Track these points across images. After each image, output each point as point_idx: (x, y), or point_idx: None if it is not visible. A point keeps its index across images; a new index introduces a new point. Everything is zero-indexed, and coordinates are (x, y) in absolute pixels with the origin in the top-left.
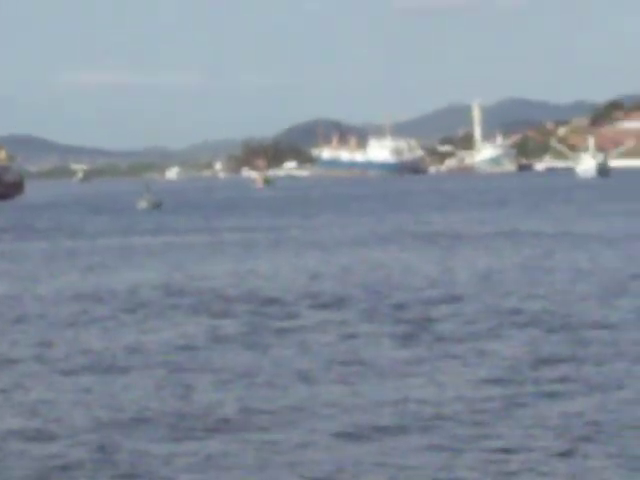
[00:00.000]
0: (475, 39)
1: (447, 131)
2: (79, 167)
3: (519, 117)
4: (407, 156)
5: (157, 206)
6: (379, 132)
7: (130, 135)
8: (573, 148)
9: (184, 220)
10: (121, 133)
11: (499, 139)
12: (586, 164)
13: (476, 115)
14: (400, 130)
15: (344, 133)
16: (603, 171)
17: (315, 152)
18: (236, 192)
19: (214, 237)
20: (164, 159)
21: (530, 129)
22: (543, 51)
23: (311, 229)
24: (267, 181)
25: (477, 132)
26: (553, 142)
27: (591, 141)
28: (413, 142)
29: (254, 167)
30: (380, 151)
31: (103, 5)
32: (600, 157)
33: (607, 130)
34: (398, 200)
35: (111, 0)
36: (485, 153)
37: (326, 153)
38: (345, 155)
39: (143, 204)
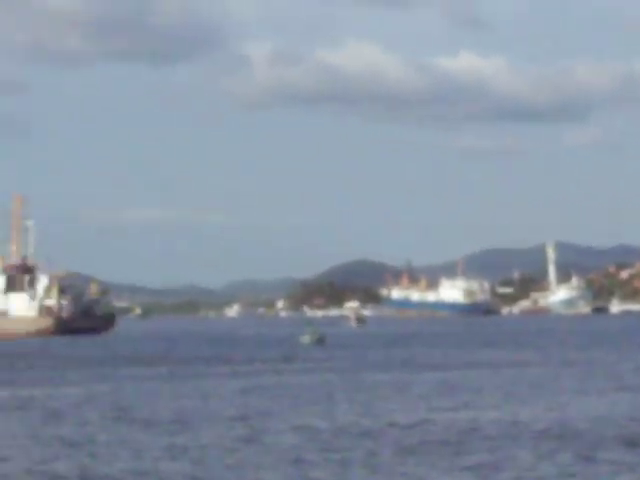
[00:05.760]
0: (518, 182)
1: (489, 274)
2: (127, 305)
3: (567, 261)
4: (479, 297)
5: (321, 341)
6: (430, 273)
7: (166, 272)
8: (637, 291)
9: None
10: (157, 270)
11: (574, 281)
12: None
13: (550, 255)
14: (435, 272)
15: (414, 273)
16: None
17: (384, 291)
18: (338, 329)
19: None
20: (204, 297)
21: (593, 273)
22: (583, 195)
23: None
24: (360, 319)
25: (551, 273)
26: None
27: None
28: (485, 283)
29: (314, 306)
30: (452, 291)
31: (134, 146)
32: None
33: None
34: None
35: (166, 144)
36: (560, 295)
37: (396, 293)
38: (416, 295)
39: (307, 339)
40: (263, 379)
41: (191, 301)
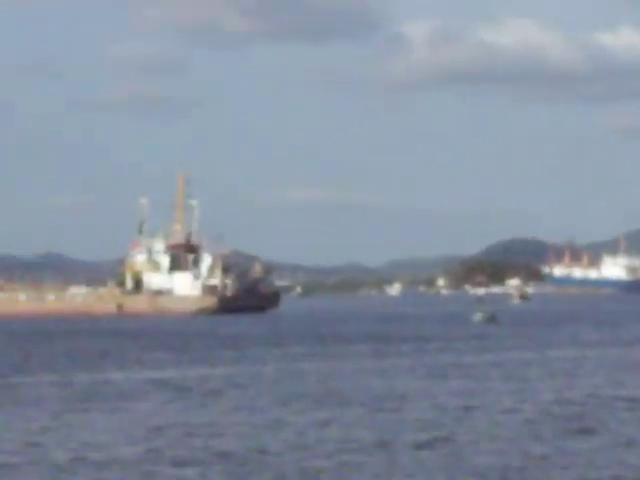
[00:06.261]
0: None
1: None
2: (288, 284)
3: None
4: None
5: (492, 319)
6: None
7: (326, 251)
8: None
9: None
10: (318, 250)
11: None
12: None
13: None
14: (597, 249)
15: (576, 250)
16: None
17: (545, 269)
18: (503, 306)
19: None
20: (364, 275)
21: None
22: None
23: None
24: (523, 296)
25: None
26: None
27: None
28: None
29: (475, 283)
30: (614, 268)
31: (317, 129)
32: None
33: None
34: None
35: (328, 124)
36: None
37: (558, 270)
38: (578, 272)
39: (479, 317)
40: (448, 357)
41: (351, 279)
